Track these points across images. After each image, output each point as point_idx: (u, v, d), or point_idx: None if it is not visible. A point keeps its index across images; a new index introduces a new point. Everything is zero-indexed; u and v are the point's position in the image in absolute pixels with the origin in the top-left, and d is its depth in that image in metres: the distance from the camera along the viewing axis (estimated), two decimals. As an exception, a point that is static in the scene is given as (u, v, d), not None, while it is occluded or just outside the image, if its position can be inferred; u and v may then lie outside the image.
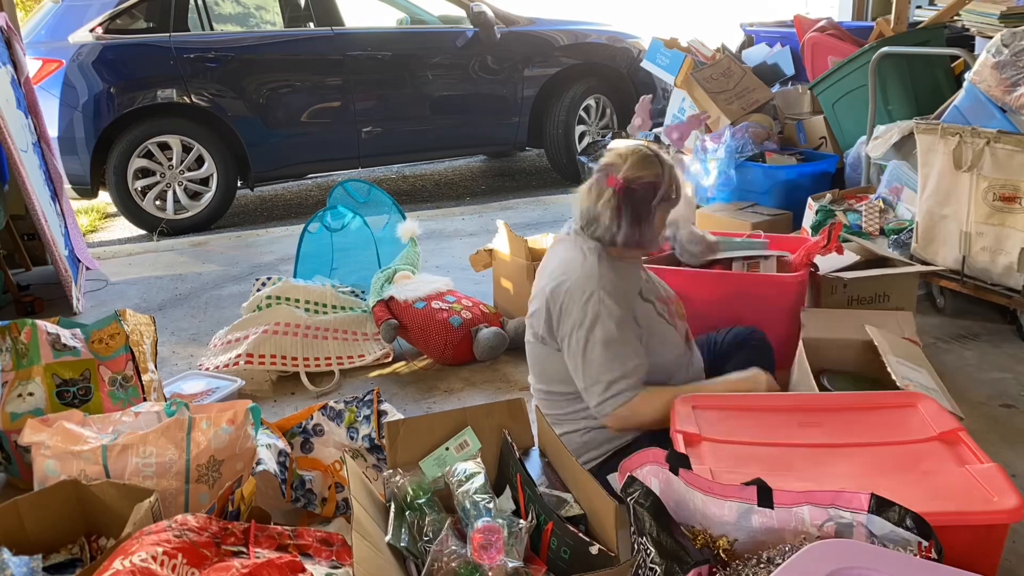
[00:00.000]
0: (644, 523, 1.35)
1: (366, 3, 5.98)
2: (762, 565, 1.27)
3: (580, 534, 1.45)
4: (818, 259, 2.66)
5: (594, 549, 1.40)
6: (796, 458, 1.58)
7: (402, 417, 2.18)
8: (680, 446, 1.64)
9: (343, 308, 3.24)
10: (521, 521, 1.52)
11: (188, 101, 4.95)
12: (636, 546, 1.38)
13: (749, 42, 5.22)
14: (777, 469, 1.54)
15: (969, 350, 2.89)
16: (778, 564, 1.24)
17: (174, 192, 5.04)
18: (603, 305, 1.88)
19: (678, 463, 1.47)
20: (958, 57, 3.56)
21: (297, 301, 3.18)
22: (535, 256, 3.14)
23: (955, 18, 3.88)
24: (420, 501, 1.62)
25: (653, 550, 1.32)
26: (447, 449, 1.80)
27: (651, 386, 1.90)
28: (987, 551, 1.38)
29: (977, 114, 2.90)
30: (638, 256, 2.08)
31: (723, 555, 1.35)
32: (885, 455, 1.57)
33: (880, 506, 1.28)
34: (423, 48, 5.54)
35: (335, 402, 2.22)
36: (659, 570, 1.30)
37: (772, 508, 1.35)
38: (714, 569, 1.32)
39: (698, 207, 3.82)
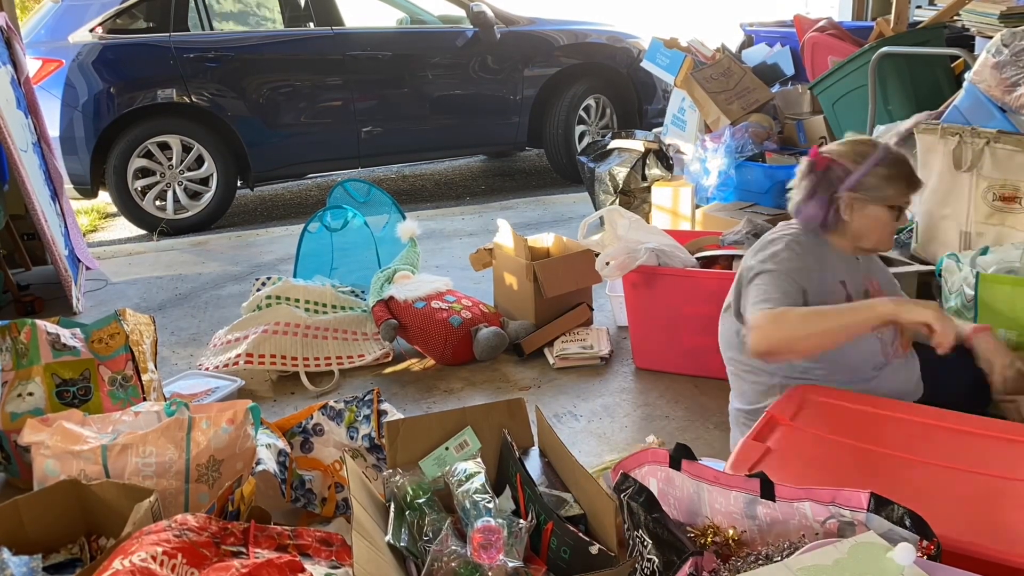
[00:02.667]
0: (638, 517, 1.36)
1: (366, 3, 5.98)
2: (760, 562, 1.27)
3: (580, 534, 1.45)
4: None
5: (594, 549, 1.40)
6: (884, 464, 1.56)
7: (402, 417, 2.18)
8: (760, 424, 1.66)
9: (343, 308, 3.24)
10: (521, 521, 1.52)
11: (188, 101, 4.95)
12: (631, 540, 1.39)
13: (749, 42, 5.22)
14: (854, 471, 1.53)
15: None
16: (776, 561, 1.24)
17: (174, 192, 5.04)
18: (778, 256, 1.86)
19: (680, 455, 1.48)
20: (958, 57, 3.56)
21: (297, 301, 3.18)
22: (535, 256, 3.15)
23: (955, 18, 3.89)
24: (420, 501, 1.62)
25: (649, 542, 1.32)
26: (447, 449, 1.80)
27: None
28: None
29: (977, 114, 2.90)
30: (842, 246, 1.95)
31: (732, 544, 1.35)
32: (989, 486, 1.50)
33: (879, 505, 1.28)
34: (423, 48, 5.54)
35: (335, 402, 2.22)
36: (657, 561, 1.30)
37: (774, 501, 1.36)
38: (715, 563, 1.32)
39: (697, 207, 3.82)
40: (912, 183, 1.89)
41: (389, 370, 3.04)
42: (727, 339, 2.10)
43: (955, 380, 1.98)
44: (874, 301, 1.79)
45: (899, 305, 1.73)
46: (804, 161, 1.95)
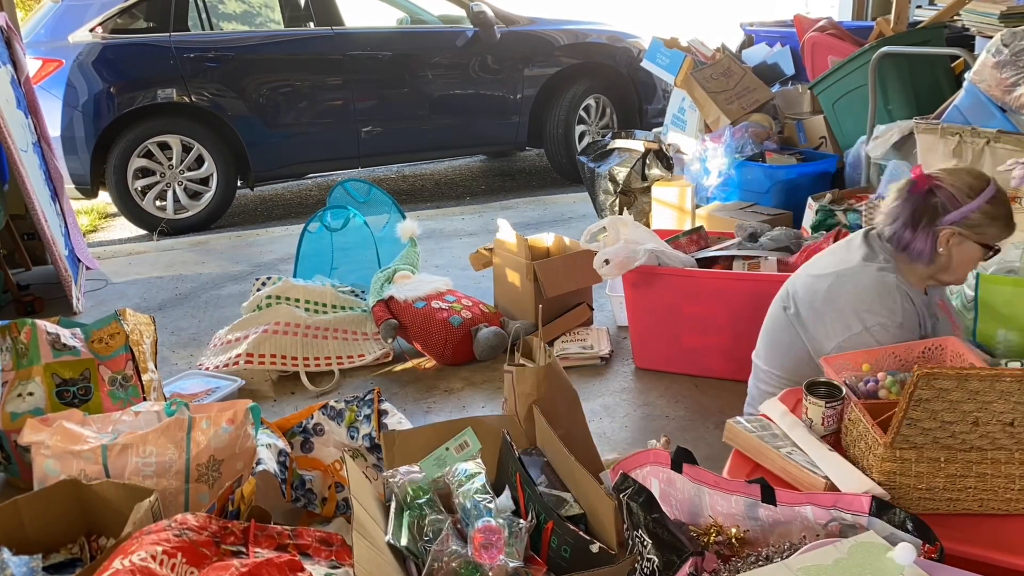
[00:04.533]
0: (638, 517, 1.36)
1: (366, 3, 5.98)
2: (760, 562, 1.27)
3: (580, 532, 1.45)
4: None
5: (595, 547, 1.40)
6: None
7: (402, 417, 2.18)
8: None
9: (343, 308, 3.24)
10: (521, 521, 1.52)
11: (188, 101, 4.95)
12: (631, 540, 1.39)
13: (749, 42, 5.22)
14: None
15: (969, 350, 2.89)
16: (776, 561, 1.24)
17: (174, 192, 5.04)
18: (900, 323, 1.80)
19: (681, 459, 1.48)
20: (958, 57, 3.56)
21: (297, 301, 3.18)
22: (536, 255, 3.15)
23: (955, 18, 3.89)
24: (420, 501, 1.62)
25: (649, 541, 1.32)
26: (447, 449, 1.80)
27: None
28: None
29: (977, 114, 2.90)
30: (917, 278, 1.88)
31: (735, 543, 1.35)
32: None
33: (881, 508, 1.28)
34: (423, 48, 5.53)
35: (335, 401, 2.22)
36: (656, 561, 1.30)
37: (775, 505, 1.36)
38: (715, 563, 1.32)
39: (698, 207, 3.82)
40: (1012, 225, 1.81)
41: (389, 370, 3.04)
42: (783, 353, 2.02)
43: None
44: None
45: None
46: (904, 180, 1.85)
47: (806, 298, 1.95)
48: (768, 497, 1.37)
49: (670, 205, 3.86)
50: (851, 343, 1.83)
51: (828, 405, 1.59)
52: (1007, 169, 2.68)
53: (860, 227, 3.35)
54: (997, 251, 1.83)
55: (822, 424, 1.60)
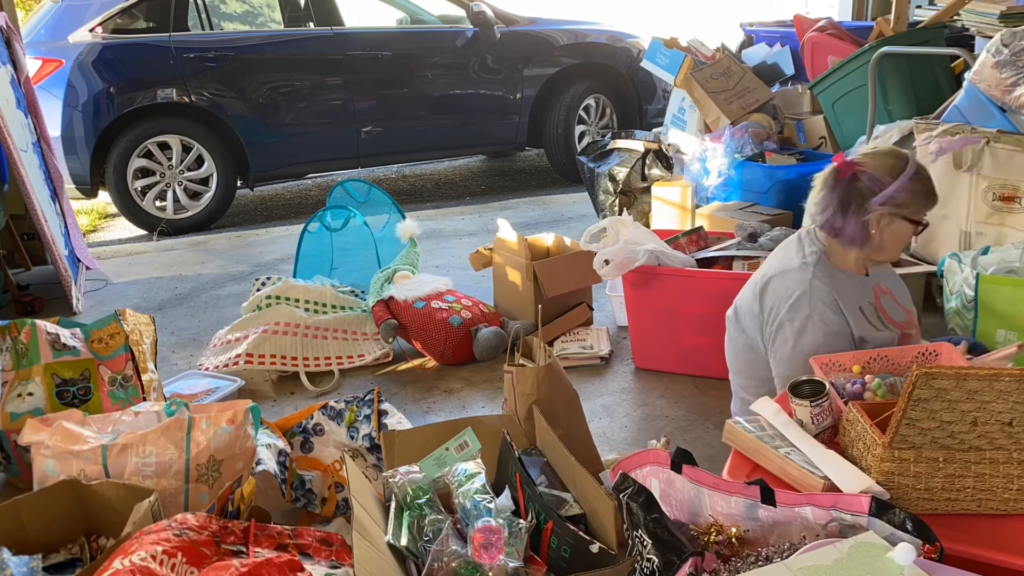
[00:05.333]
0: (638, 517, 1.36)
1: (366, 3, 5.98)
2: (760, 562, 1.27)
3: (580, 533, 1.45)
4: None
5: (595, 547, 1.40)
6: None
7: (402, 417, 2.19)
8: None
9: (343, 308, 3.24)
10: (521, 521, 1.52)
11: (188, 101, 4.95)
12: (631, 540, 1.39)
13: (749, 42, 5.22)
14: None
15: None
16: (776, 562, 1.24)
17: (174, 192, 5.04)
18: (814, 316, 1.84)
19: (681, 460, 1.48)
20: (958, 57, 3.56)
21: (297, 301, 3.18)
22: (535, 255, 3.15)
23: (955, 18, 3.88)
24: (420, 501, 1.62)
25: (649, 541, 1.32)
26: (447, 449, 1.80)
27: None
28: None
29: (977, 114, 2.90)
30: (854, 262, 1.93)
31: (735, 542, 1.35)
32: None
33: (880, 508, 1.28)
34: (423, 48, 5.54)
35: (335, 401, 2.22)
36: (656, 561, 1.30)
37: (775, 506, 1.36)
38: (715, 563, 1.32)
39: (697, 207, 3.82)
40: (935, 198, 1.86)
41: (389, 370, 3.04)
42: (735, 356, 2.08)
43: None
44: None
45: None
46: (827, 169, 1.89)
47: (746, 306, 2.01)
48: (767, 498, 1.37)
49: (670, 205, 3.86)
50: (778, 337, 1.89)
51: (813, 404, 1.59)
52: (923, 144, 2.70)
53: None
54: (926, 225, 1.87)
55: (812, 423, 1.60)
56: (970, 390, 1.32)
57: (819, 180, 1.91)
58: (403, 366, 3.06)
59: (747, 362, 2.06)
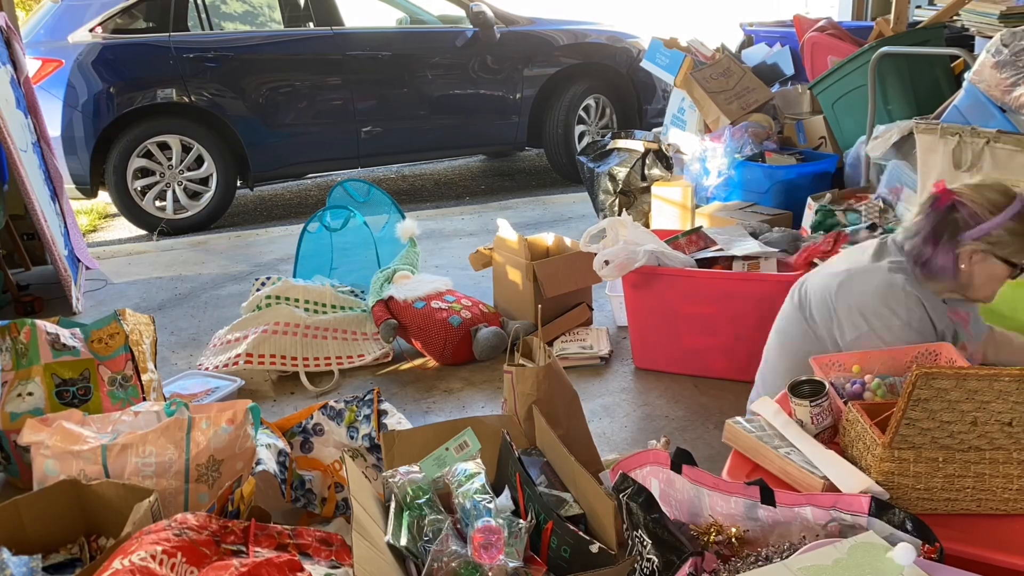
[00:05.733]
0: (638, 517, 1.36)
1: (366, 3, 5.98)
2: (760, 562, 1.27)
3: (580, 533, 1.45)
4: (818, 260, 2.66)
5: (594, 547, 1.40)
6: None
7: (402, 417, 2.19)
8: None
9: (343, 308, 3.24)
10: (521, 521, 1.52)
11: (188, 101, 4.95)
12: (631, 540, 1.39)
13: (749, 42, 5.22)
14: None
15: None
16: (775, 562, 1.24)
17: (174, 192, 5.04)
18: (909, 320, 1.80)
19: (681, 460, 1.48)
20: (958, 57, 3.56)
21: (296, 301, 3.18)
22: (535, 256, 3.15)
23: (955, 18, 3.89)
24: (420, 501, 1.62)
25: (649, 541, 1.32)
26: (447, 449, 1.80)
27: None
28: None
29: (977, 114, 2.90)
30: (937, 290, 1.85)
31: (735, 542, 1.35)
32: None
33: (880, 508, 1.28)
34: (423, 48, 5.54)
35: (335, 401, 2.22)
36: (656, 561, 1.30)
37: (775, 507, 1.36)
38: (715, 563, 1.32)
39: (697, 207, 3.83)
40: None
41: (389, 370, 3.04)
42: (795, 351, 2.01)
43: None
44: None
45: None
46: (927, 195, 1.82)
47: (818, 296, 1.96)
48: (767, 498, 1.37)
49: (670, 205, 3.86)
50: (860, 343, 1.83)
51: (813, 403, 1.59)
52: None
53: (859, 227, 3.36)
54: (1023, 269, 1.77)
55: (812, 423, 1.60)
56: (970, 390, 1.32)
57: (917, 204, 1.86)
58: (403, 366, 3.06)
59: (803, 357, 1.98)
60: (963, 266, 1.76)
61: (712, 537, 1.37)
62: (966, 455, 1.39)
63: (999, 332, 2.11)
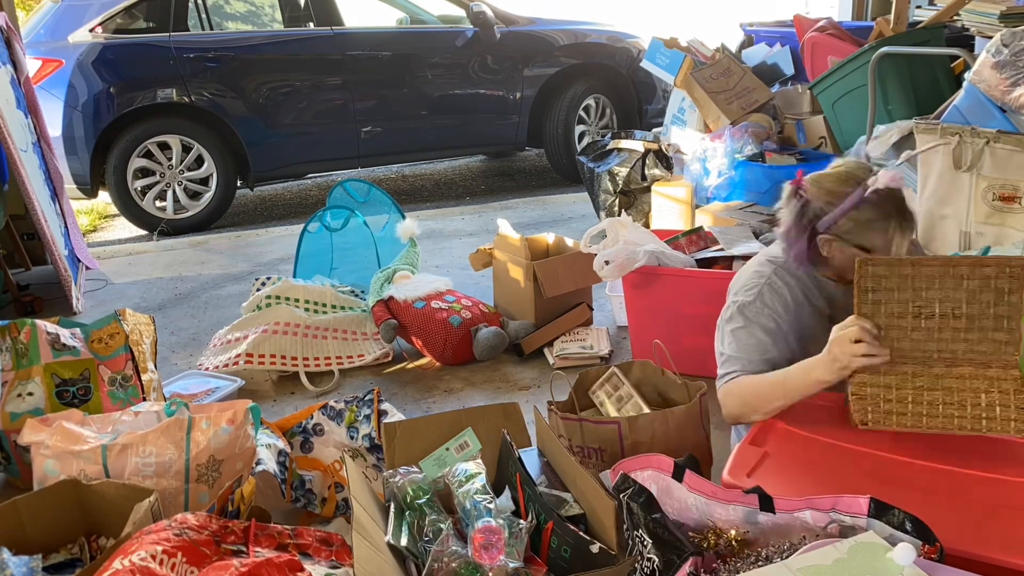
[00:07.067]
0: (638, 517, 1.36)
1: (366, 3, 5.98)
2: (760, 563, 1.27)
3: (580, 533, 1.45)
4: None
5: (595, 547, 1.40)
6: (883, 467, 1.55)
7: (402, 417, 2.18)
8: (756, 427, 1.70)
9: (343, 308, 3.24)
10: (521, 521, 1.52)
11: (188, 101, 4.95)
12: (631, 540, 1.39)
13: (749, 42, 5.22)
14: (851, 474, 1.52)
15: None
16: (775, 562, 1.24)
17: (174, 192, 5.05)
18: (749, 307, 1.86)
19: (684, 467, 1.48)
20: (958, 57, 3.56)
21: (297, 301, 3.18)
22: (535, 255, 3.15)
23: (955, 18, 3.88)
24: (420, 501, 1.62)
25: (649, 541, 1.32)
26: (447, 450, 1.80)
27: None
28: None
29: (977, 114, 2.90)
30: (815, 274, 1.91)
31: (735, 544, 1.35)
32: (989, 487, 1.48)
33: (880, 510, 1.28)
34: (423, 48, 5.54)
35: (335, 401, 2.22)
36: (656, 560, 1.30)
37: (774, 513, 1.36)
38: (715, 563, 1.32)
39: (697, 207, 3.82)
40: (887, 225, 1.76)
41: (389, 370, 3.04)
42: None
43: None
44: (808, 365, 1.67)
45: (830, 369, 1.62)
46: (787, 186, 1.88)
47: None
48: (766, 505, 1.37)
49: (670, 205, 3.86)
50: (725, 343, 1.92)
51: None
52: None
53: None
54: (888, 247, 1.79)
55: None
56: (903, 275, 1.48)
57: (783, 195, 1.90)
58: (403, 366, 3.06)
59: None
60: (825, 253, 1.82)
61: (712, 541, 1.37)
62: (934, 370, 1.51)
63: None
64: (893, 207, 1.76)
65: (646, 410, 2.02)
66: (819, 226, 1.79)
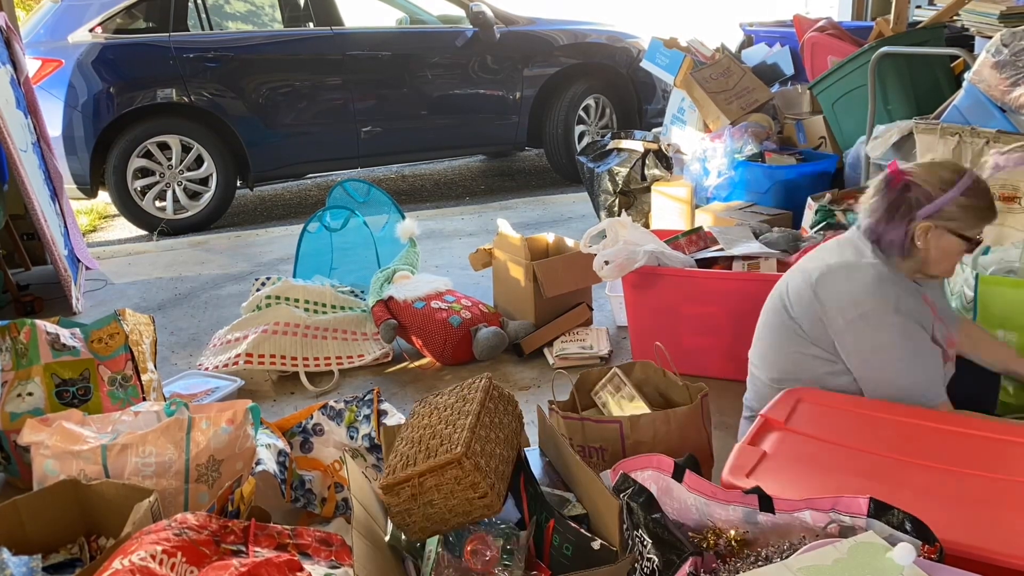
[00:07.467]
0: (638, 516, 1.36)
1: (366, 3, 5.98)
2: (760, 563, 1.27)
3: (582, 530, 1.45)
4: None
5: (596, 544, 1.41)
6: (881, 468, 1.54)
7: (402, 418, 2.18)
8: (755, 428, 1.67)
9: (342, 308, 3.24)
10: (521, 532, 1.52)
11: (188, 101, 4.95)
12: (631, 540, 1.39)
13: (749, 42, 5.22)
14: (848, 473, 1.52)
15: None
16: (775, 562, 1.24)
17: (174, 192, 5.05)
18: (896, 322, 1.80)
19: (684, 467, 1.48)
20: (958, 57, 3.56)
21: (296, 301, 3.18)
22: (535, 255, 3.15)
23: (955, 18, 3.88)
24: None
25: (649, 541, 1.32)
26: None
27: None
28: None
29: (976, 114, 2.90)
30: (902, 270, 1.87)
31: (735, 544, 1.35)
32: (988, 487, 1.47)
33: (879, 510, 1.28)
34: (423, 48, 5.54)
35: (335, 401, 2.22)
36: (656, 560, 1.30)
37: (774, 514, 1.36)
38: (715, 563, 1.32)
39: (697, 207, 3.83)
40: (990, 215, 1.82)
41: (389, 370, 3.04)
42: (779, 353, 2.00)
43: (958, 382, 1.95)
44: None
45: None
46: (880, 176, 1.86)
47: (801, 293, 1.93)
48: (766, 506, 1.37)
49: (670, 205, 3.86)
50: (852, 334, 1.84)
51: None
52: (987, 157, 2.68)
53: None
54: (979, 243, 1.84)
55: None
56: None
57: (871, 185, 1.89)
58: (403, 366, 3.06)
59: (791, 358, 1.97)
60: (919, 243, 1.80)
61: (711, 541, 1.37)
62: None
63: (975, 327, 2.15)
64: (989, 198, 1.81)
65: (645, 410, 2.01)
66: (920, 213, 1.77)
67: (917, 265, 1.85)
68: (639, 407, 2.06)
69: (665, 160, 4.19)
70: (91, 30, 4.85)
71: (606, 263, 2.72)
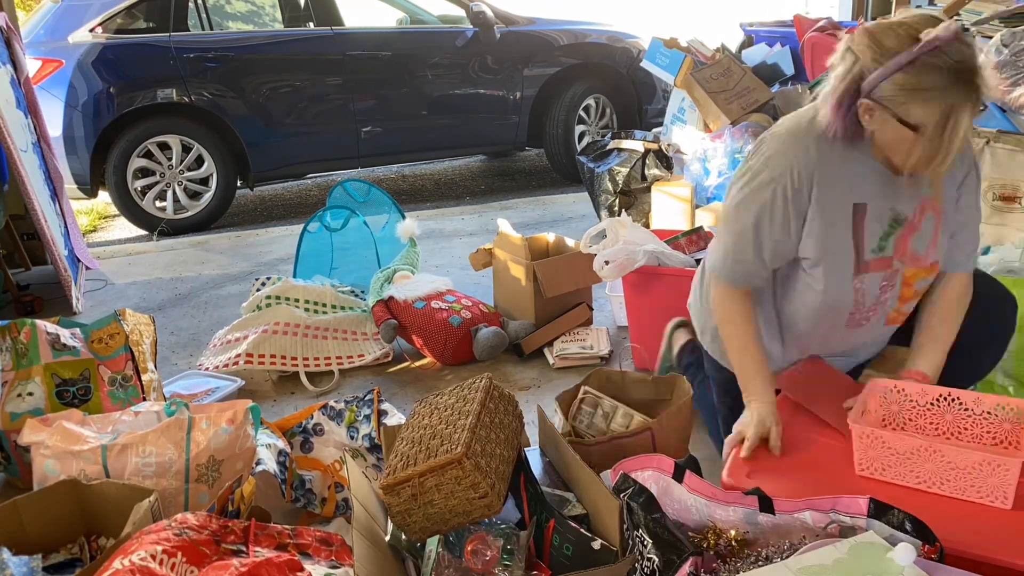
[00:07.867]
0: (638, 516, 1.36)
1: (366, 3, 5.99)
2: (760, 563, 1.27)
3: (582, 530, 1.45)
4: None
5: (596, 544, 1.41)
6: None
7: (402, 418, 2.18)
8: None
9: (343, 308, 3.24)
10: (521, 532, 1.52)
11: (188, 101, 4.95)
12: (631, 540, 1.39)
13: (749, 42, 5.22)
14: (847, 472, 1.53)
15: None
16: (776, 561, 1.24)
17: (174, 192, 5.05)
18: (761, 184, 1.57)
19: (684, 467, 1.48)
20: (958, 57, 3.56)
21: (297, 301, 3.18)
22: (535, 255, 3.15)
23: (955, 18, 3.88)
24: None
25: (649, 541, 1.32)
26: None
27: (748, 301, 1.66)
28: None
29: (977, 114, 2.90)
30: (863, 150, 1.57)
31: (735, 544, 1.35)
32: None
33: (879, 510, 1.28)
34: (423, 48, 5.54)
35: (335, 401, 2.22)
36: (657, 560, 1.30)
37: (774, 514, 1.36)
38: (715, 562, 1.32)
39: (697, 207, 3.82)
40: (939, 97, 1.38)
41: (389, 370, 3.04)
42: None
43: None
44: (754, 404, 1.64)
45: (749, 427, 1.61)
46: (844, 35, 1.54)
47: None
48: (766, 507, 1.37)
49: (670, 205, 3.86)
50: (721, 239, 1.72)
51: None
52: None
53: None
54: (934, 131, 1.42)
55: None
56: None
57: (838, 50, 1.54)
58: (403, 366, 3.06)
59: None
60: (864, 123, 1.50)
61: (712, 542, 1.37)
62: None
63: (949, 308, 1.71)
64: (952, 77, 1.37)
65: (636, 415, 2.00)
66: (863, 87, 1.46)
67: (879, 151, 1.55)
68: (627, 415, 2.04)
69: (665, 160, 4.19)
70: (91, 30, 4.85)
71: (606, 263, 2.72)
